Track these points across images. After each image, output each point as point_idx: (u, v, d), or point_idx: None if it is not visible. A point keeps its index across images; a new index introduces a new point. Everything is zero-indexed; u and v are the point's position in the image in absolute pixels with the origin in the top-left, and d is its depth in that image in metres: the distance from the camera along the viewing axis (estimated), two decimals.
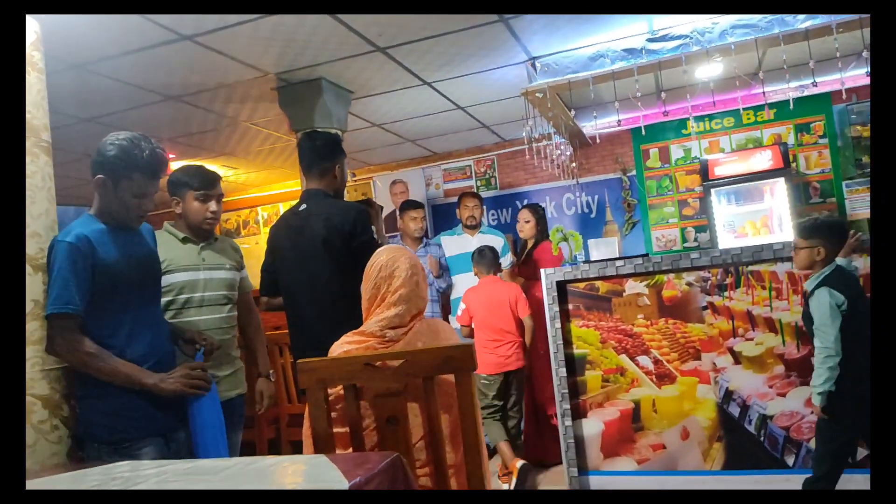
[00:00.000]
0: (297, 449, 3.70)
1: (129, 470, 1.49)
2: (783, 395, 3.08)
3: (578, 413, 3.46)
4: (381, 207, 2.99)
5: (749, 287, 3.18)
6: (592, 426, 3.44)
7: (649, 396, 3.37)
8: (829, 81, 4.23)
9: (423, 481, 1.73)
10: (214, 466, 1.48)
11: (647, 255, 3.59)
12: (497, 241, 4.63)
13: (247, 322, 2.66)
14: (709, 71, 3.98)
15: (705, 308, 3.25)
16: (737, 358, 3.17)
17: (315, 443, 1.73)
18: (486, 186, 6.19)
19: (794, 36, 3.46)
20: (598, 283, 3.49)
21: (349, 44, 3.51)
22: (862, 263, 3.06)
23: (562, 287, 3.52)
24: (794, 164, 5.14)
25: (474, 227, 4.64)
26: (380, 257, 1.92)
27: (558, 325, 3.47)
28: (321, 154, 2.64)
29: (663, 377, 3.36)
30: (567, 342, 3.49)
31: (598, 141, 5.24)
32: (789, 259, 3.15)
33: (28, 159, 2.00)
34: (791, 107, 4.12)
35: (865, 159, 4.82)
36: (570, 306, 3.54)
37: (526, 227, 4.34)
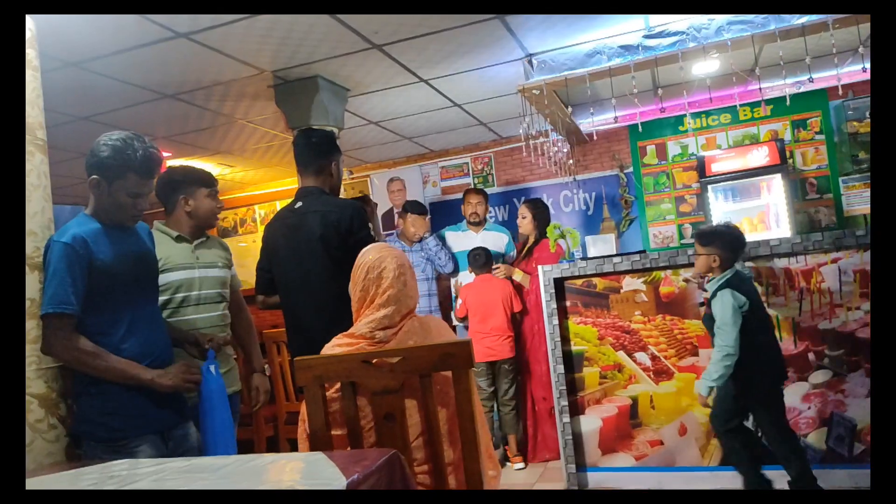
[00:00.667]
0: (294, 446, 3.69)
1: (127, 468, 1.49)
2: None
3: (576, 409, 3.47)
4: (377, 204, 3.00)
5: None
6: (590, 422, 3.45)
7: (647, 393, 3.38)
8: (825, 77, 4.22)
9: (421, 479, 1.72)
10: (212, 464, 1.48)
11: (644, 251, 3.59)
12: (502, 237, 4.63)
13: (238, 320, 2.67)
14: (705, 67, 3.99)
15: (702, 304, 3.26)
16: None
17: (311, 440, 1.72)
18: (483, 184, 6.18)
19: (791, 32, 3.47)
20: (596, 280, 3.50)
21: (345, 41, 3.51)
22: (860, 259, 3.07)
23: (559, 284, 3.53)
24: (790, 161, 5.14)
25: (478, 224, 4.63)
26: (366, 257, 1.88)
27: (556, 321, 3.47)
28: (317, 151, 2.63)
29: (661, 373, 3.37)
30: (565, 339, 3.50)
31: (595, 138, 5.23)
32: (786, 255, 3.16)
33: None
34: (787, 103, 4.10)
35: (862, 155, 4.82)
36: (568, 303, 3.54)
37: (523, 222, 4.35)
